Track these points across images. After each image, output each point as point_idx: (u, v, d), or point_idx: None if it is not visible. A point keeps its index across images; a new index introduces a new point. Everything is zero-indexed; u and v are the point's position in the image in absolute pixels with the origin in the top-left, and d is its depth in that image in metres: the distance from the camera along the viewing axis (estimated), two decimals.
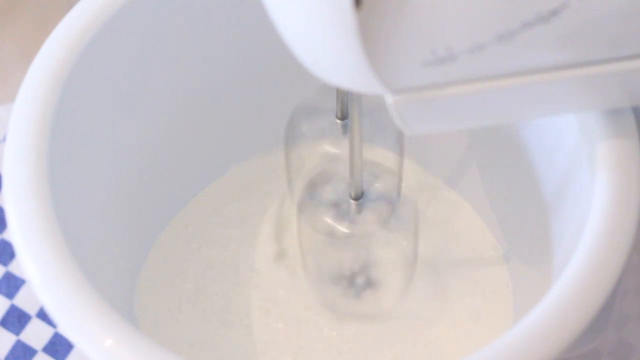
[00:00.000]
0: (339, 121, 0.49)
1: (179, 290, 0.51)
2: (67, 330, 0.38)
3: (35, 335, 0.54)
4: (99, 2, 0.44)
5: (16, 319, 0.54)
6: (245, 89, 0.53)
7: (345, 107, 0.48)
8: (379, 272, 0.50)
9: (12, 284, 0.55)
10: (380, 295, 0.50)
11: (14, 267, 0.55)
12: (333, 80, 0.36)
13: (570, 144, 0.43)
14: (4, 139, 0.42)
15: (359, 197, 0.49)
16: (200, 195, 0.54)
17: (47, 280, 0.39)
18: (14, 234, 0.40)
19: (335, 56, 0.34)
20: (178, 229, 0.53)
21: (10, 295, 0.54)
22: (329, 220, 0.49)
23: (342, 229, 0.49)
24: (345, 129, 0.49)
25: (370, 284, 0.50)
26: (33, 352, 0.53)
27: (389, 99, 0.36)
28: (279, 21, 0.36)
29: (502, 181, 0.51)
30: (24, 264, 0.39)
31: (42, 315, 0.54)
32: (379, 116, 0.47)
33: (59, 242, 0.40)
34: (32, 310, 0.54)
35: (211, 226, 0.53)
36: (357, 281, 0.50)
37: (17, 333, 0.54)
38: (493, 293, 0.50)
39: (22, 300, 0.54)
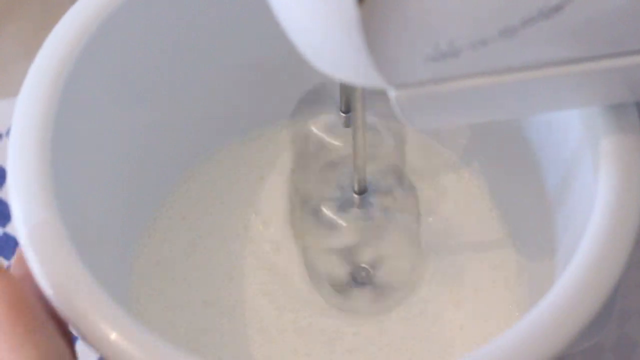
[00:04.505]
0: (342, 114, 0.49)
1: (176, 280, 0.51)
2: (72, 325, 0.38)
3: None
4: None
5: None
6: (245, 85, 0.53)
7: (348, 100, 0.48)
8: (382, 266, 0.50)
9: None
10: (383, 289, 0.50)
11: None
12: (336, 75, 0.36)
13: (574, 138, 0.43)
14: (8, 133, 0.42)
15: (362, 191, 0.49)
16: (200, 191, 0.54)
17: (51, 274, 0.39)
18: (19, 229, 0.40)
19: (338, 51, 0.34)
20: (175, 224, 0.53)
21: None
22: (332, 214, 0.49)
23: (345, 223, 0.49)
24: (349, 122, 0.49)
25: (373, 278, 0.50)
26: None
27: (392, 93, 0.36)
28: (281, 14, 0.36)
29: (505, 176, 0.51)
30: (28, 258, 0.40)
31: None
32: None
33: (63, 237, 0.40)
34: None
35: (211, 216, 0.53)
36: (360, 275, 0.50)
37: None
38: (498, 288, 0.50)
39: None
